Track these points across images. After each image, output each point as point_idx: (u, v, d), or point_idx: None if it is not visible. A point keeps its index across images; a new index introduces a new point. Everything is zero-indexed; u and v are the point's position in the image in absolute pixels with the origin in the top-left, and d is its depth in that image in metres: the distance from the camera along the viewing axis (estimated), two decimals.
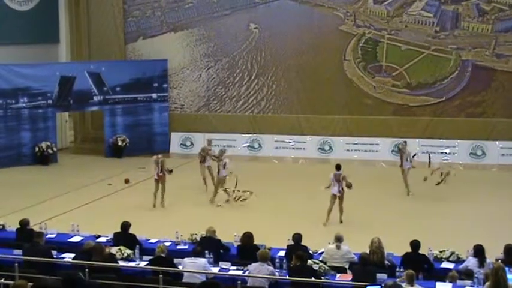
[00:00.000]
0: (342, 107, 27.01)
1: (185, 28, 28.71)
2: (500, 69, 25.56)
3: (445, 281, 11.68)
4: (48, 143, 25.80)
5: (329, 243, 13.06)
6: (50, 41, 28.66)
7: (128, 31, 29.13)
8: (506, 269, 10.56)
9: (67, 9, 29.15)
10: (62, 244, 13.84)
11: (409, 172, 20.36)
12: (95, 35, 29.10)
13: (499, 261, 11.51)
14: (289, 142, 26.81)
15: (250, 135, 27.47)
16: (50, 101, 26.18)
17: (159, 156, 19.94)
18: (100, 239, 13.97)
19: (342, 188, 17.61)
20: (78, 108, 27.78)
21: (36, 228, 14.28)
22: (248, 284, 11.38)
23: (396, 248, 12.95)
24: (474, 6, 25.64)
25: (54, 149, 26.04)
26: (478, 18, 25.69)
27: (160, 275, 11.03)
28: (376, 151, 23.27)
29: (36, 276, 11.03)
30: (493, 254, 12.29)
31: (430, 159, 20.86)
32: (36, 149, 25.63)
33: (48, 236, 14.15)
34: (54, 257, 12.68)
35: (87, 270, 11.05)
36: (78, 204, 19.59)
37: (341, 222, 17.55)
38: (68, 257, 12.68)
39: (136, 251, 12.96)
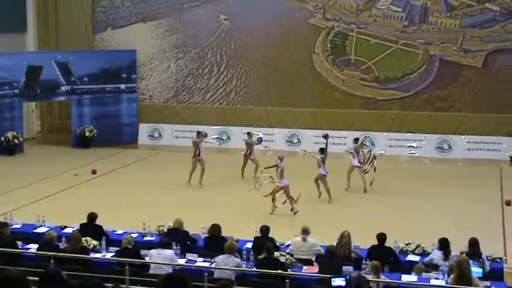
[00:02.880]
0: (311, 99, 27.08)
1: (154, 19, 28.56)
2: (468, 64, 25.77)
3: (410, 274, 11.80)
4: (15, 133, 25.51)
5: (296, 236, 13.11)
6: (17, 29, 28.32)
7: (96, 21, 28.89)
8: (471, 261, 10.72)
9: None
10: (27, 235, 13.76)
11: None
12: (63, 24, 28.82)
13: (464, 254, 11.67)
14: (258, 134, 26.79)
15: (218, 127, 27.43)
16: (16, 91, 25.89)
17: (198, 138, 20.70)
18: (66, 230, 13.89)
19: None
20: (45, 98, 27.54)
21: (1, 219, 14.19)
22: (215, 276, 11.39)
23: (362, 241, 13.03)
24: (442, 1, 25.81)
25: (21, 139, 25.75)
26: (446, 14, 25.88)
27: (127, 267, 10.99)
28: (344, 144, 23.31)
29: None
30: (458, 247, 12.43)
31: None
32: (2, 138, 25.29)
33: (14, 226, 14.06)
34: (19, 247, 12.60)
35: (52, 261, 10.99)
36: (44, 194, 19.42)
37: (365, 191, 19.76)
38: (33, 247, 12.60)
39: (103, 242, 12.91)
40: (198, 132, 21.22)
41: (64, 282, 7.03)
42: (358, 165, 20.00)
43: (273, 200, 17.63)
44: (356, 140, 20.69)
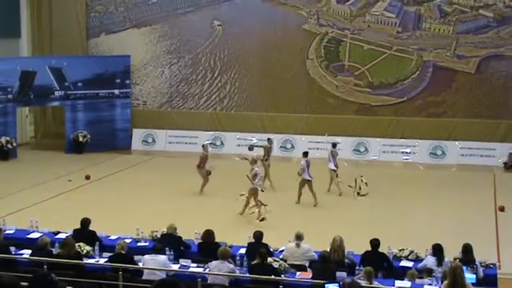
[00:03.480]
0: (304, 105, 27.12)
1: (148, 24, 28.57)
2: (461, 70, 25.85)
3: (403, 279, 11.79)
4: (8, 138, 25.46)
5: (289, 242, 13.09)
6: (11, 35, 28.25)
7: (90, 26, 28.89)
8: (464, 268, 10.71)
9: (28, 3, 28.79)
10: (21, 240, 13.71)
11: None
12: (57, 29, 28.82)
13: (457, 260, 11.67)
14: (252, 140, 26.80)
15: (212, 132, 27.43)
16: (10, 96, 25.85)
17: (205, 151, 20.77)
18: (59, 236, 13.85)
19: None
20: (39, 103, 27.51)
21: None
22: (208, 282, 11.38)
23: (356, 246, 13.03)
24: (436, 7, 25.91)
25: (14, 144, 25.71)
26: (439, 20, 25.96)
27: (120, 272, 10.97)
28: (338, 149, 23.34)
29: None
30: (451, 253, 12.43)
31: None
32: None
33: (7, 232, 14.01)
34: (13, 253, 12.56)
35: (45, 266, 10.97)
36: (38, 200, 19.38)
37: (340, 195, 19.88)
38: (27, 253, 12.56)
39: (96, 247, 12.88)
40: (203, 146, 21.30)
41: (54, 285, 7.00)
42: (334, 168, 20.13)
43: (257, 205, 17.58)
44: (334, 144, 20.77)
